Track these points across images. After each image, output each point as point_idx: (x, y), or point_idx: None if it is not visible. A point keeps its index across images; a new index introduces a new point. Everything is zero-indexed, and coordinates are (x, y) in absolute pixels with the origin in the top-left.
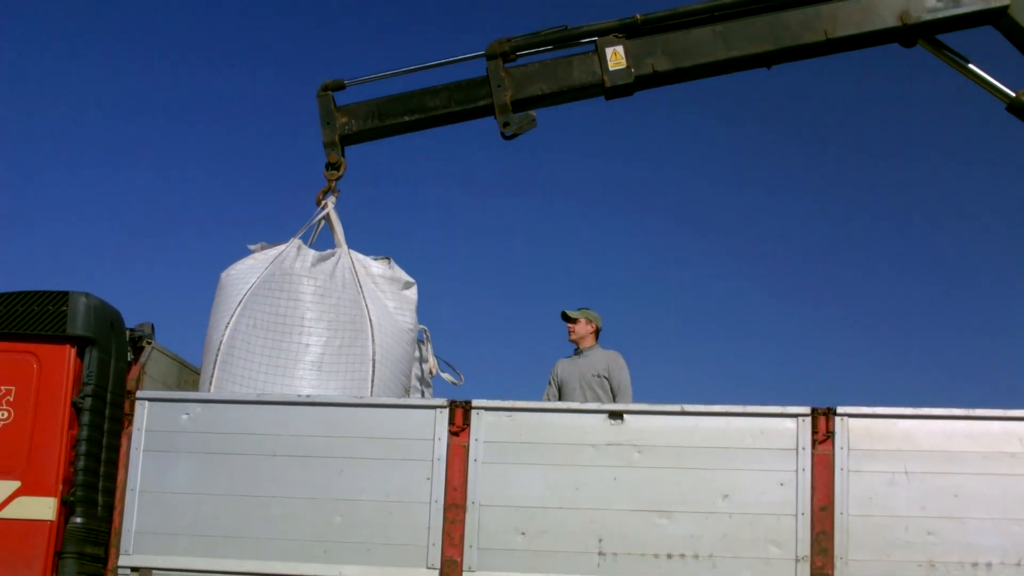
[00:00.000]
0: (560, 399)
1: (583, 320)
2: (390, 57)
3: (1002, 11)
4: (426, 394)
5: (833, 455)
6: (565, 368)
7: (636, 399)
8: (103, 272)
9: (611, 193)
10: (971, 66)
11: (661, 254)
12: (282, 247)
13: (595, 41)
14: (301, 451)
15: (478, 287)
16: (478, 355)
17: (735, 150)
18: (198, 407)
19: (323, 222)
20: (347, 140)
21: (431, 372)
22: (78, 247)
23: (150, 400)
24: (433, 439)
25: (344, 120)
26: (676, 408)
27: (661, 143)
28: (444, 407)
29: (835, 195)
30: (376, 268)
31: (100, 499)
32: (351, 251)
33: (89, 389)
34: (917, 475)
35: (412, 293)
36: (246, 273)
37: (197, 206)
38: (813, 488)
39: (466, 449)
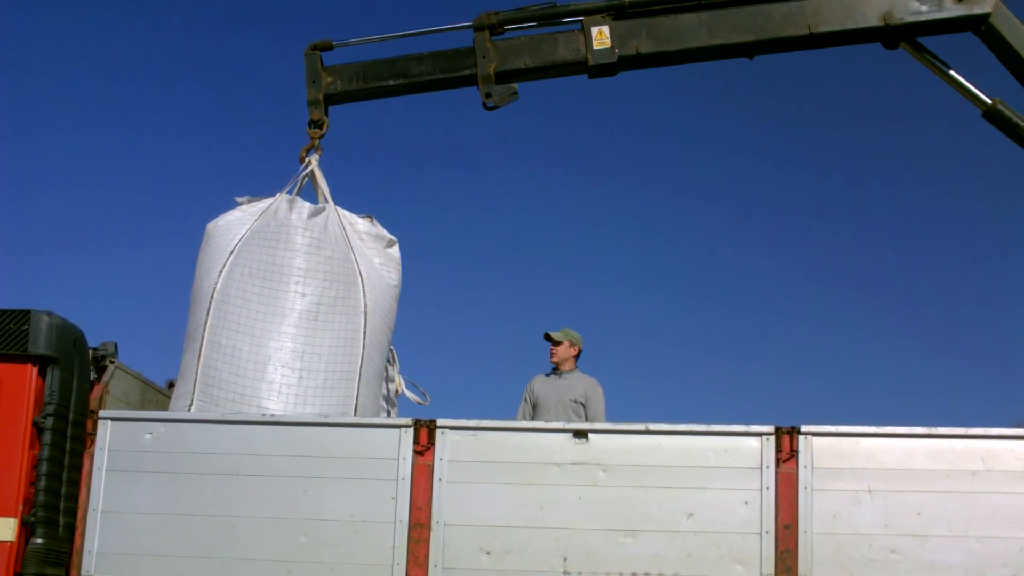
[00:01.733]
0: (534, 418)
1: (567, 343)
2: (380, 25)
3: (984, 18)
4: (392, 413)
5: (797, 474)
6: (543, 387)
7: (608, 419)
8: (64, 290)
9: (581, 208)
10: (951, 72)
11: (638, 267)
12: (270, 200)
13: (582, 20)
14: (265, 470)
15: (444, 306)
16: (443, 375)
17: (700, 161)
18: (161, 426)
19: (306, 179)
20: (331, 99)
21: (397, 392)
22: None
23: (113, 419)
24: (398, 458)
25: (329, 80)
26: (640, 427)
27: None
28: (409, 426)
29: (812, 207)
30: (361, 225)
31: (61, 520)
32: (337, 207)
33: (51, 408)
34: (881, 493)
35: (395, 251)
36: (235, 224)
37: (159, 220)
38: (777, 506)
39: (431, 468)
